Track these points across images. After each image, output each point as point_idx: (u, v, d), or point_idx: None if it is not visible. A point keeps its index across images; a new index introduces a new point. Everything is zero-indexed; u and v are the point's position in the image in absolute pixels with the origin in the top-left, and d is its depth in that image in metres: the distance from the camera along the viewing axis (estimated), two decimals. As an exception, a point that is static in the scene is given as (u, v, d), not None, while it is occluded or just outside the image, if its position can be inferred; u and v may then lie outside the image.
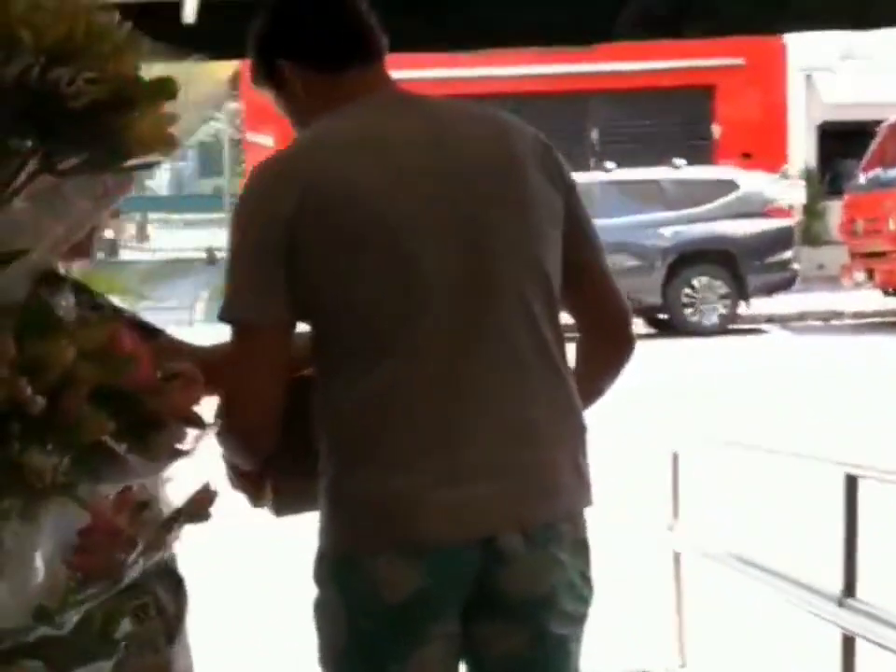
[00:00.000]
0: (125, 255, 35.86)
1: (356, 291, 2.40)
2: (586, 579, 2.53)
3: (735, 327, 18.34)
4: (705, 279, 18.26)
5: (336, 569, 2.44)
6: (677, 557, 5.91)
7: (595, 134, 25.35)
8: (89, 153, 1.29)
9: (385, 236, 2.41)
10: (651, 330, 19.01)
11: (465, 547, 2.39)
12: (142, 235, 38.86)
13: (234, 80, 26.37)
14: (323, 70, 2.58)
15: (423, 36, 4.65)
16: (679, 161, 18.75)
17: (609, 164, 19.04)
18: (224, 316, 2.45)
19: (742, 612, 6.14)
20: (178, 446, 1.45)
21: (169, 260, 32.98)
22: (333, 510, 2.44)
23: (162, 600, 2.42)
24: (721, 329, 18.08)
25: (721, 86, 24.67)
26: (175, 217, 37.71)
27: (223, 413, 2.33)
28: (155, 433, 1.40)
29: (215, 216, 32.01)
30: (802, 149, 24.71)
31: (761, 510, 8.18)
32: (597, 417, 2.67)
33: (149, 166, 1.37)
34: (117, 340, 1.38)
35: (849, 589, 4.33)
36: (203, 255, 29.56)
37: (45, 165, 1.27)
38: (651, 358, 16.03)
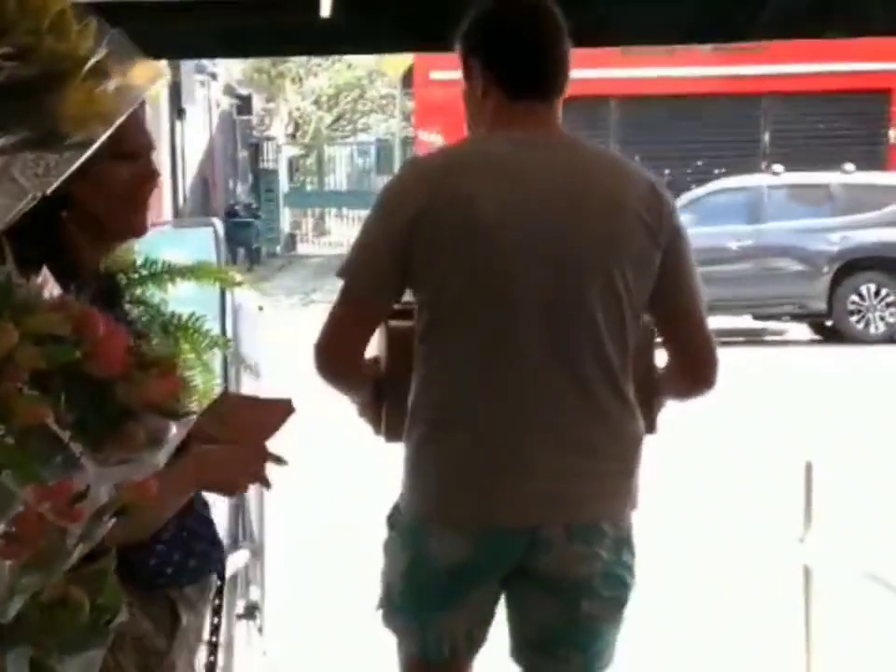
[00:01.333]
0: (303, 248, 36.38)
1: (455, 292, 2.85)
2: (628, 568, 2.95)
3: (904, 337, 17.90)
4: (872, 287, 17.85)
5: (404, 526, 2.96)
6: (807, 571, 5.77)
7: (766, 137, 24.97)
8: (22, 130, 1.27)
9: (489, 258, 2.84)
10: (816, 337, 18.67)
11: (512, 533, 2.86)
12: (320, 229, 39.31)
13: (407, 78, 26.53)
14: (502, 88, 2.95)
15: (583, 33, 4.63)
16: (849, 167, 18.34)
17: (777, 168, 18.72)
18: (342, 276, 2.97)
19: (874, 631, 5.97)
20: (155, 436, 1.44)
21: (343, 254, 33.31)
22: (414, 476, 2.93)
23: (146, 634, 2.35)
24: (888, 339, 17.65)
25: (897, 89, 24.15)
26: (353, 212, 38.09)
27: (316, 355, 2.92)
28: (126, 423, 1.39)
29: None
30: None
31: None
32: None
33: (88, 145, 1.36)
34: (88, 325, 1.37)
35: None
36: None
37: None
38: (812, 366, 15.82)
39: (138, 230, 2.62)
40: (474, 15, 3.00)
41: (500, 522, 2.85)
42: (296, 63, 36.64)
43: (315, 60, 36.20)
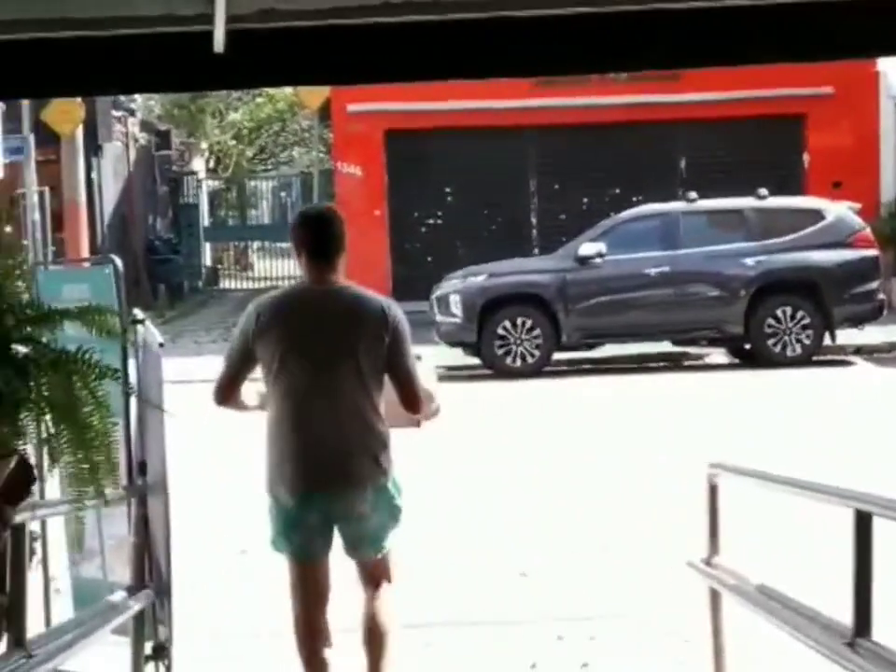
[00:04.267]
0: (225, 283, 36.20)
1: (273, 369, 5.36)
2: (388, 503, 5.46)
3: (821, 358, 18.07)
4: (788, 309, 18.02)
5: (269, 489, 5.45)
6: (714, 593, 5.80)
7: (682, 163, 25.17)
8: None
9: (291, 353, 5.32)
10: (734, 361, 18.83)
11: (315, 493, 5.36)
12: (243, 263, 39.13)
13: (325, 111, 26.53)
14: (307, 256, 5.42)
15: (485, 64, 4.66)
16: (763, 191, 18.54)
17: (692, 194, 18.86)
18: (224, 361, 5.48)
19: (781, 650, 6.00)
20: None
21: (266, 288, 33.30)
22: (268, 467, 5.44)
23: None
24: (806, 360, 17.82)
25: (811, 115, 24.39)
26: (276, 245, 37.99)
27: (213, 398, 5.51)
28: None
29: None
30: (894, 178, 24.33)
31: (801, 546, 8.02)
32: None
33: None
34: None
35: (861, 629, 4.18)
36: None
37: None
38: (729, 389, 15.96)
39: None
40: (295, 217, 5.74)
41: (305, 490, 5.35)
42: (216, 98, 36.59)
43: (235, 94, 36.18)
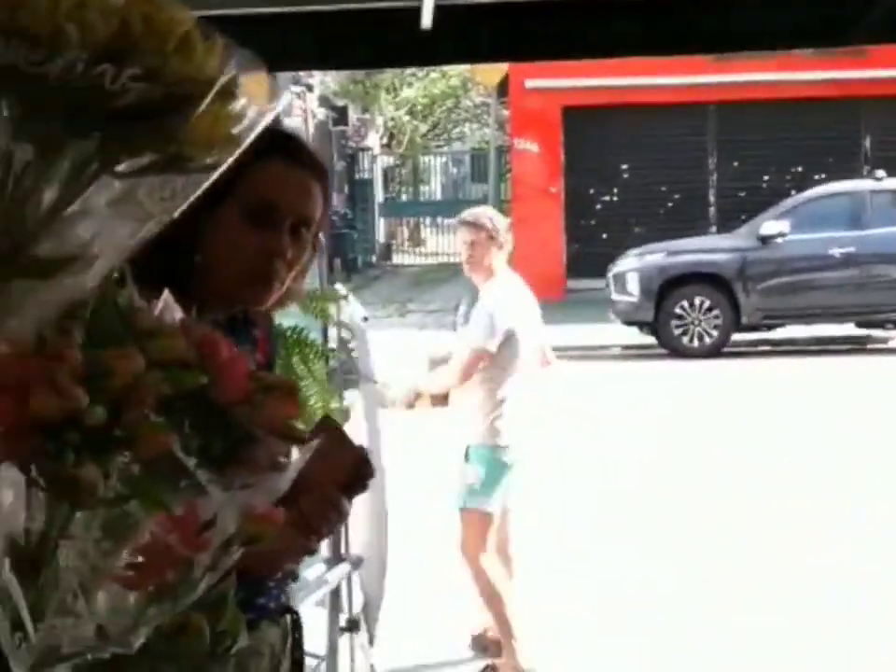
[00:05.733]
0: (398, 258, 36.46)
1: (511, 347, 6.33)
2: None
3: None
4: (980, 293, 17.52)
5: (478, 454, 6.30)
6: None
7: (867, 141, 24.63)
8: (149, 154, 1.24)
9: (520, 330, 6.34)
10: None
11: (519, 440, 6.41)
12: (416, 239, 39.37)
13: (502, 87, 26.49)
14: (504, 251, 6.46)
15: (677, 40, 4.57)
16: (953, 171, 18.06)
17: (880, 173, 18.43)
18: (473, 348, 6.34)
19: None
20: (277, 461, 1.40)
21: (438, 264, 33.46)
22: (499, 424, 6.33)
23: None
24: None
25: None
26: (448, 221, 38.10)
27: (459, 377, 6.42)
28: (248, 448, 1.35)
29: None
30: None
31: None
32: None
33: (213, 168, 1.32)
34: (211, 349, 1.34)
35: None
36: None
37: (103, 167, 1.23)
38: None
39: (252, 301, 2.27)
40: (498, 220, 6.48)
41: (520, 436, 6.35)
42: (391, 74, 36.76)
43: (410, 70, 36.28)
